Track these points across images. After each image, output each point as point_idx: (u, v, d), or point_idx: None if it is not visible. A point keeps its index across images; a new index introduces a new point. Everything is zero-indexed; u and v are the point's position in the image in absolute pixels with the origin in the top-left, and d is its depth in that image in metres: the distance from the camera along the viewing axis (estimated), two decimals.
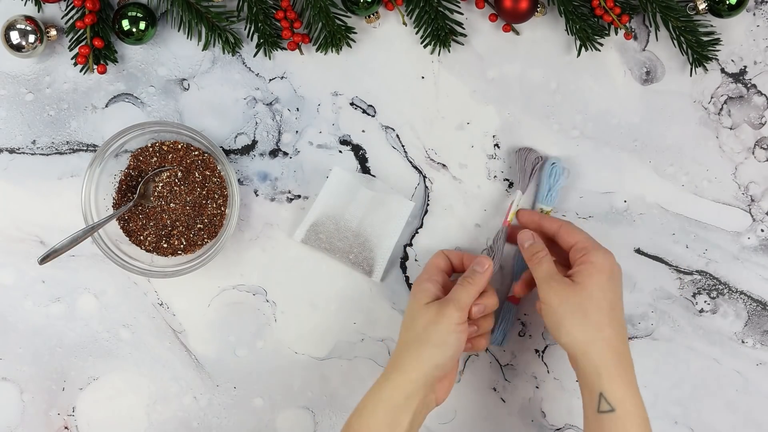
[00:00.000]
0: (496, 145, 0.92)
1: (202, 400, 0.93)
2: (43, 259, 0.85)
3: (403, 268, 0.92)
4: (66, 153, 0.91)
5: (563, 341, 0.78)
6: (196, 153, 0.90)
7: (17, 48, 0.86)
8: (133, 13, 0.87)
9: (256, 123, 0.91)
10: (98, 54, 0.88)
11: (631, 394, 0.75)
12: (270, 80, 0.91)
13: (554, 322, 0.78)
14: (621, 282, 0.81)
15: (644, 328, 0.93)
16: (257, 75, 0.91)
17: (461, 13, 0.89)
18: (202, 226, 0.90)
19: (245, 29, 0.89)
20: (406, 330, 0.81)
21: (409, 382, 0.77)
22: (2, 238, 0.91)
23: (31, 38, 0.86)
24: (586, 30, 0.87)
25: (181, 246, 0.90)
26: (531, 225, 0.87)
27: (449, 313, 0.79)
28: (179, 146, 0.90)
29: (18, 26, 0.86)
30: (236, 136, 0.91)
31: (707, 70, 0.91)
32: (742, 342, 0.93)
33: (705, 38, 0.88)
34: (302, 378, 0.93)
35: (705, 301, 0.93)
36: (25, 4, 0.88)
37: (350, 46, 0.89)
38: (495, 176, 0.92)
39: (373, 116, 0.92)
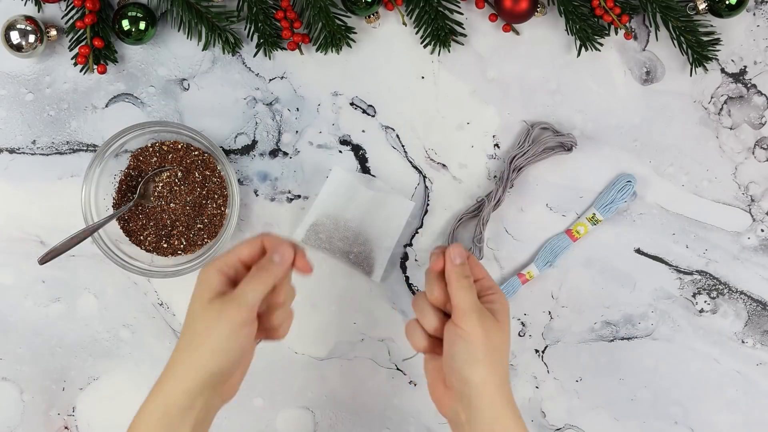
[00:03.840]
0: (496, 145, 0.92)
1: None
2: (43, 259, 0.85)
3: (403, 268, 0.92)
4: (66, 153, 0.91)
5: (475, 377, 0.71)
6: (196, 153, 0.90)
7: (17, 48, 0.86)
8: (133, 13, 0.87)
9: (256, 123, 0.91)
10: (98, 54, 0.88)
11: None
12: (270, 80, 0.91)
13: (470, 355, 0.71)
14: None
15: (644, 328, 0.93)
16: (257, 75, 0.91)
17: (461, 13, 0.89)
18: (202, 226, 0.90)
19: (245, 29, 0.89)
20: (185, 329, 0.70)
21: (183, 393, 0.68)
22: (2, 238, 0.91)
23: (31, 38, 0.86)
24: (586, 30, 0.87)
25: (181, 246, 0.90)
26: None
27: (230, 314, 0.68)
28: (179, 146, 0.90)
29: (18, 26, 0.86)
30: (236, 136, 0.91)
31: (707, 70, 0.91)
32: (742, 342, 0.93)
33: (705, 38, 0.88)
34: (302, 378, 0.93)
35: (705, 301, 0.93)
36: (25, 4, 0.88)
37: (350, 46, 0.89)
38: (495, 176, 0.92)
39: (373, 116, 0.92)
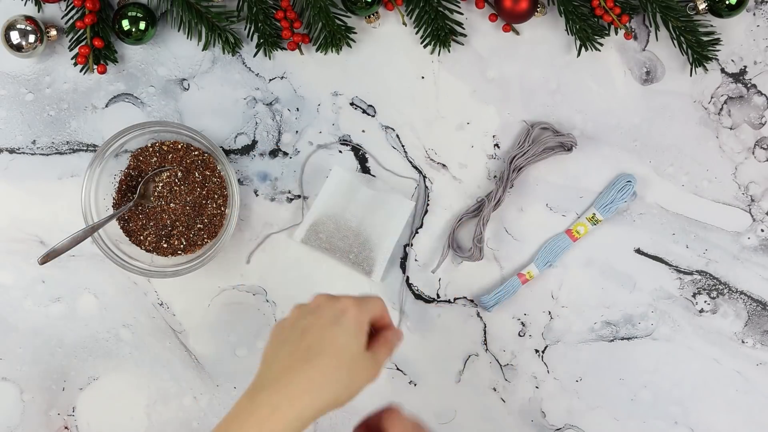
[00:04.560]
0: (496, 145, 0.92)
1: (202, 400, 0.93)
2: (43, 259, 0.85)
3: (403, 268, 0.92)
4: (66, 153, 0.91)
5: None
6: (196, 153, 0.90)
7: (17, 48, 0.86)
8: (133, 13, 0.87)
9: (256, 123, 0.91)
10: (98, 54, 0.88)
11: None
12: (270, 80, 0.91)
13: None
14: None
15: (644, 328, 0.93)
16: (257, 75, 0.91)
17: (461, 13, 0.89)
18: (202, 226, 0.90)
19: (245, 29, 0.89)
20: (332, 359, 0.70)
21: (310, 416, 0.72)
22: (2, 238, 0.91)
23: (31, 38, 0.86)
24: (586, 30, 0.87)
25: (181, 246, 0.90)
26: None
27: (373, 372, 0.72)
28: (179, 146, 0.90)
29: (18, 26, 0.86)
30: (236, 136, 0.91)
31: (707, 70, 0.91)
32: (742, 342, 0.93)
33: (705, 38, 0.88)
34: None
35: (705, 301, 0.93)
36: (25, 4, 0.88)
37: (350, 46, 0.89)
38: (495, 176, 0.92)
39: (373, 116, 0.92)
